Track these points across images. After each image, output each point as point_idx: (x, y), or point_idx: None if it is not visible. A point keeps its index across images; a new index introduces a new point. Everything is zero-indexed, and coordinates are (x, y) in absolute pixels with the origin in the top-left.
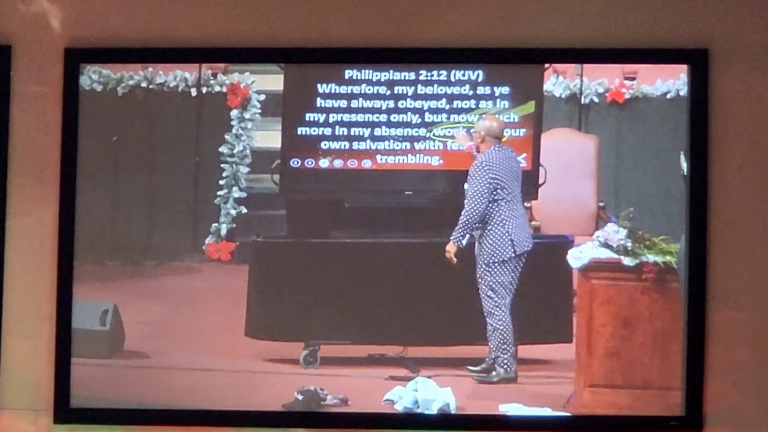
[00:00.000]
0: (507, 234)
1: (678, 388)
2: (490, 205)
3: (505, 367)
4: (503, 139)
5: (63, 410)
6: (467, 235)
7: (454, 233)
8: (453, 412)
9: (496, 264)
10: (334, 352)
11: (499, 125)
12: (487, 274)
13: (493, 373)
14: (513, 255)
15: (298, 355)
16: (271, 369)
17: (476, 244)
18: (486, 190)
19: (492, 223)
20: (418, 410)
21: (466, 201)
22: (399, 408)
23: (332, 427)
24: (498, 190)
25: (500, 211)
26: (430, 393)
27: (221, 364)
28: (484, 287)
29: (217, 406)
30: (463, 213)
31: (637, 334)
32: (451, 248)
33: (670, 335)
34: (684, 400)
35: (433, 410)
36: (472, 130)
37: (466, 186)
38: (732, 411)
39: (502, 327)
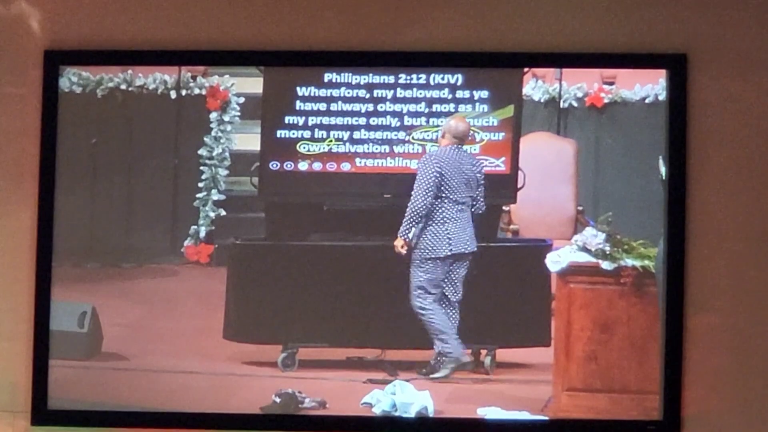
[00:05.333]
0: (446, 232)
1: (656, 392)
2: (435, 201)
3: (448, 356)
4: (465, 143)
5: (40, 412)
6: (413, 228)
7: (401, 227)
8: (431, 415)
9: (429, 261)
10: (312, 355)
11: (463, 127)
12: (420, 270)
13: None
14: (449, 253)
15: (276, 358)
16: (249, 372)
17: (414, 240)
18: (432, 183)
19: (433, 220)
20: (396, 413)
21: (412, 194)
22: (377, 411)
23: (310, 431)
24: (443, 187)
25: (443, 209)
26: (408, 396)
27: (199, 367)
28: (414, 284)
29: (194, 408)
30: (408, 205)
31: (615, 338)
32: (398, 242)
33: (648, 339)
34: (662, 404)
35: (411, 414)
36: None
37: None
38: (710, 415)
39: (436, 321)
